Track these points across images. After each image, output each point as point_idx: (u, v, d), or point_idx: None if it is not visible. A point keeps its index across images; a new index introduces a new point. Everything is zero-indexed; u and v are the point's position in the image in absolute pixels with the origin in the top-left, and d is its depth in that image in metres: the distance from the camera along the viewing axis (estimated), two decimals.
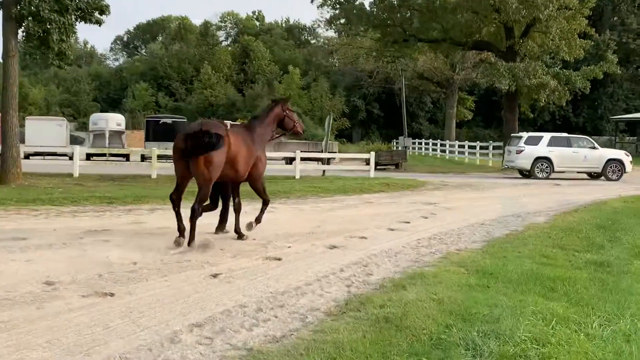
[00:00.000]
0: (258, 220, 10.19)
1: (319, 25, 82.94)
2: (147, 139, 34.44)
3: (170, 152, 29.70)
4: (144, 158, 30.73)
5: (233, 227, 9.87)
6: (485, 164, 39.07)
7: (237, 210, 9.95)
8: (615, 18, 65.41)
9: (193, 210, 8.84)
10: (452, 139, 55.58)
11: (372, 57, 53.33)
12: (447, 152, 47.93)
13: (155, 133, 34.39)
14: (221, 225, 10.16)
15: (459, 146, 45.86)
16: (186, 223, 8.98)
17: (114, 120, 36.68)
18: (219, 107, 66.40)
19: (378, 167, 30.74)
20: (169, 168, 24.99)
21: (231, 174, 9.27)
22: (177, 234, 9.03)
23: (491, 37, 36.16)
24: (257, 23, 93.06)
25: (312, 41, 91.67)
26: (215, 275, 7.18)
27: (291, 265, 7.91)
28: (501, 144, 37.02)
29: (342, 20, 40.52)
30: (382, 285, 6.88)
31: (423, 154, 53.64)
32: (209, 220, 10.10)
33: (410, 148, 52.34)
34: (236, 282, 6.93)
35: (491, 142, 41.27)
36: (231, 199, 10.11)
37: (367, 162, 26.47)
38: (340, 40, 63.26)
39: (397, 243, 9.76)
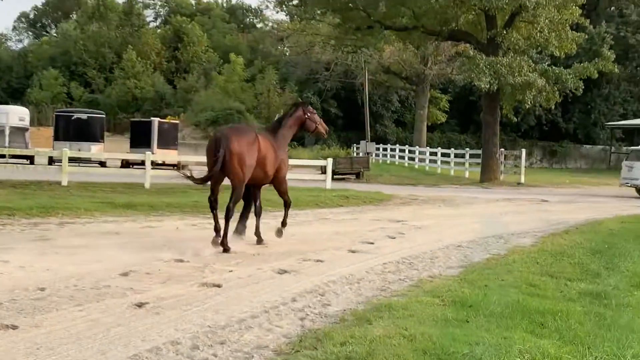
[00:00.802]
0: (284, 223, 12.23)
1: (267, 7, 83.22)
2: (56, 138, 33.91)
3: (85, 154, 29.40)
4: (52, 161, 30.20)
5: (253, 231, 11.61)
6: (460, 174, 39.60)
7: (258, 214, 11.99)
8: (612, 8, 67.39)
9: (228, 209, 10.90)
10: (423, 144, 56.19)
11: (330, 46, 53.59)
12: (417, 160, 48.41)
13: (67, 131, 33.87)
14: (240, 226, 11.89)
15: (431, 153, 46.40)
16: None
17: (16, 115, 35.95)
18: (145, 101, 65.71)
19: (336, 176, 30.82)
20: (82, 173, 24.64)
21: (260, 175, 11.41)
22: (214, 233, 11.00)
23: (470, 27, 36.76)
24: (193, 1, 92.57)
25: (259, 25, 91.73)
26: (140, 305, 7.08)
27: (233, 293, 7.85)
28: (479, 151, 37.61)
29: (295, 1, 40.64)
30: (342, 319, 6.88)
31: (389, 161, 54.07)
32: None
33: (374, 155, 52.66)
34: (166, 313, 6.84)
35: (468, 149, 41.87)
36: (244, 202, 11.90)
37: (323, 170, 26.52)
38: (293, 24, 63.29)
39: (359, 268, 9.78)
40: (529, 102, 34.83)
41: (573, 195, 28.90)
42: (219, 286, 8.15)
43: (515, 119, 40.98)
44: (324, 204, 19.69)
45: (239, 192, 11.08)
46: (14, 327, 6.10)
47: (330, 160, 25.91)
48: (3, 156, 29.42)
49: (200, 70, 70.15)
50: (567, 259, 10.92)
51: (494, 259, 11.00)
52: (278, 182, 12.07)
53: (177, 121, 42.06)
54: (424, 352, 5.65)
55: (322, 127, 12.76)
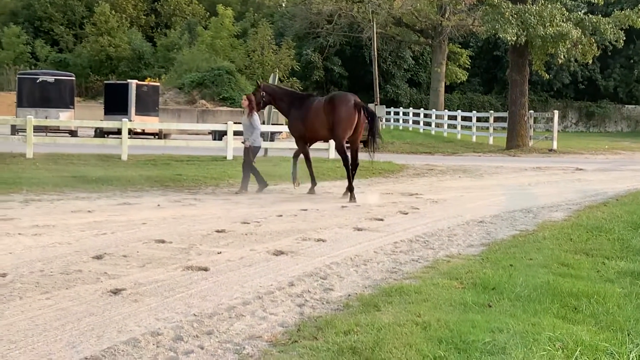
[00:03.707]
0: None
1: None
2: (19, 104, 33.83)
3: (52, 122, 29.39)
4: (15, 130, 30.19)
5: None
6: (484, 141, 39.57)
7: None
8: None
9: (357, 165, 16.31)
10: (440, 107, 56.01)
11: None
12: (434, 125, 48.34)
13: (32, 96, 33.80)
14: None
15: (450, 117, 46.33)
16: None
17: None
18: (120, 61, 65.43)
19: None
20: (49, 144, 24.65)
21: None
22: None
23: None
24: None
25: None
26: (116, 292, 7.10)
27: (222, 278, 7.87)
28: (505, 114, 37.49)
29: None
30: (347, 305, 6.89)
31: (401, 127, 54.03)
32: None
33: (384, 119, 52.64)
34: (146, 300, 6.86)
35: (492, 112, 41.79)
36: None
37: None
38: None
39: (366, 247, 9.81)
40: (563, 57, 34.61)
41: (613, 163, 28.86)
42: (205, 270, 8.16)
43: (546, 76, 40.74)
44: (327, 176, 19.70)
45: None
46: None
47: None
48: None
49: (183, 25, 69.72)
50: (605, 234, 10.92)
51: (521, 235, 11.01)
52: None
53: (157, 83, 41.97)
54: (439, 340, 5.65)
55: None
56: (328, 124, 15.76)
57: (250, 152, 16.25)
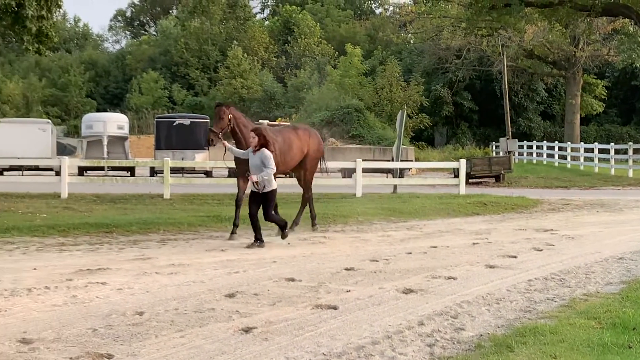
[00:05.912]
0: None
1: None
2: (157, 147, 35.00)
3: (188, 163, 30.29)
4: (154, 172, 31.24)
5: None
6: (622, 174, 38.27)
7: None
8: None
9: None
10: (576, 140, 54.72)
11: (461, 29, 52.93)
12: (569, 158, 47.19)
13: (169, 138, 34.91)
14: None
15: (586, 150, 45.13)
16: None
17: (115, 122, 37.44)
18: (253, 102, 67.04)
19: (471, 180, 30.41)
20: (186, 185, 25.37)
21: None
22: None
23: None
24: None
25: (378, 11, 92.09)
26: (247, 330, 7.21)
27: (351, 317, 7.86)
28: None
29: None
30: (478, 345, 6.78)
31: (535, 161, 52.95)
32: None
33: (517, 154, 51.79)
34: (276, 339, 6.93)
35: (631, 143, 40.46)
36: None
37: (456, 173, 26.21)
38: (417, 7, 63.09)
39: (498, 286, 9.64)
40: None
41: None
42: (335, 308, 8.18)
43: None
44: (457, 212, 19.46)
45: None
46: (109, 357, 6.32)
47: (463, 162, 25.61)
48: (101, 168, 30.78)
49: (313, 65, 70.87)
50: None
51: None
52: None
53: (288, 123, 42.71)
54: None
55: None
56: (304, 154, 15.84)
57: (268, 197, 13.70)
